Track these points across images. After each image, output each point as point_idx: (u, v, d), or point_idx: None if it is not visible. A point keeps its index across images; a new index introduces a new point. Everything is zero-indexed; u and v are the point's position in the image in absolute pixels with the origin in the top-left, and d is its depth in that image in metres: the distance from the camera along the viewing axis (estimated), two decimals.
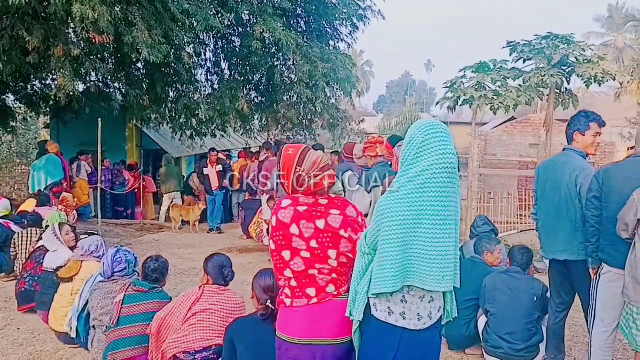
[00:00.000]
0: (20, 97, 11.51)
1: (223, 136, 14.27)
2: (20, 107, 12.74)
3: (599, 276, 3.47)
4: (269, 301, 3.00)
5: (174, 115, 12.10)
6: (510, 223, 11.38)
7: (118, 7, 7.23)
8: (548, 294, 4.04)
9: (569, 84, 9.65)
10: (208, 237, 9.47)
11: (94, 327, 3.90)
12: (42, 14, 7.11)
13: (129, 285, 3.73)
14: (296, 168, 2.53)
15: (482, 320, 4.15)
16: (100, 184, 9.39)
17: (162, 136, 15.53)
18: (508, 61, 9.94)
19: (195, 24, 8.65)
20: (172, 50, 8.62)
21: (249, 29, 10.47)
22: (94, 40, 6.85)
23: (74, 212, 8.09)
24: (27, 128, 18.93)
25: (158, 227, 11.40)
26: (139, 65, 10.85)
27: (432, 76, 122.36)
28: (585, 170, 3.63)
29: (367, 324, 2.39)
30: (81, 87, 10.38)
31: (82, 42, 7.37)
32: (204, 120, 11.59)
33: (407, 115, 39.58)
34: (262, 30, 9.22)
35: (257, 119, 13.57)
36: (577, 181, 3.60)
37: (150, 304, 3.65)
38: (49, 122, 15.97)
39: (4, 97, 11.07)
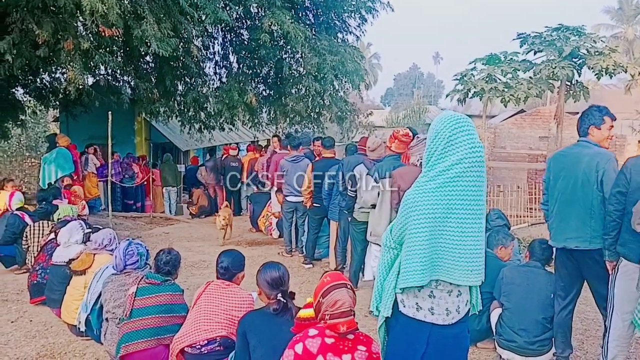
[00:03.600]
0: (30, 91, 11.57)
1: (231, 129, 14.30)
2: (29, 101, 12.80)
3: (618, 269, 3.45)
4: (279, 295, 2.94)
5: (182, 108, 12.18)
6: (520, 216, 11.32)
7: (127, 0, 7.23)
8: None
9: (579, 76, 9.58)
10: (217, 231, 9.47)
11: (106, 319, 3.91)
12: (52, 7, 7.11)
13: (142, 278, 3.73)
14: (320, 298, 2.53)
15: (494, 314, 4.12)
16: (110, 177, 9.42)
17: (171, 129, 15.61)
18: (519, 53, 9.89)
19: (203, 17, 8.64)
20: (181, 44, 8.63)
21: (257, 21, 10.45)
22: (103, 34, 6.85)
23: (83, 202, 8.12)
24: (36, 121, 19.02)
25: (167, 219, 11.47)
26: (148, 58, 10.88)
27: (439, 69, 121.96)
28: (605, 155, 3.61)
29: (395, 320, 2.36)
30: (90, 80, 10.44)
31: (91, 36, 7.37)
32: (213, 113, 11.64)
33: (414, 107, 39.54)
34: (270, 23, 9.19)
35: (265, 112, 13.56)
36: (599, 167, 3.55)
37: (163, 297, 3.65)
38: (58, 115, 16.07)
39: (14, 90, 11.13)
